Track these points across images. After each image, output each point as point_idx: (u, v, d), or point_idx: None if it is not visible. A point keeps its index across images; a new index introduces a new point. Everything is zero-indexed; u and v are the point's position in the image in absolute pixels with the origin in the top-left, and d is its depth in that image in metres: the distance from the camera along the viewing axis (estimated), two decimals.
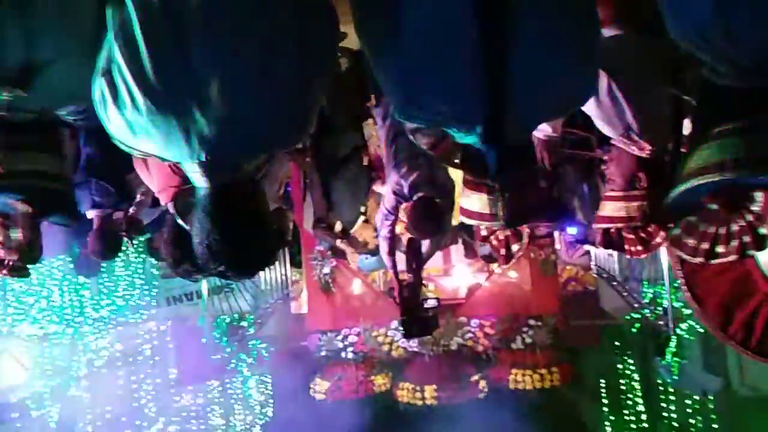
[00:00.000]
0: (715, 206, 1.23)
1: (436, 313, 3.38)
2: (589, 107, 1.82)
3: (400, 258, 3.35)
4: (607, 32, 1.71)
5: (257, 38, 1.17)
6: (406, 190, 2.65)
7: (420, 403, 6.94)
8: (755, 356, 1.27)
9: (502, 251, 1.73)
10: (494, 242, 1.77)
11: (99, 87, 1.20)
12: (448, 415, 6.76)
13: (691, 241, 1.25)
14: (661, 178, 1.88)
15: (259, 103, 1.19)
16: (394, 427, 6.96)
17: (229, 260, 1.27)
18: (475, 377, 7.13)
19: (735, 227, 1.20)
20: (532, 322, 7.26)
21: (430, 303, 3.31)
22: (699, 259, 1.23)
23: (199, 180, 1.26)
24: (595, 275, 7.70)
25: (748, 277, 1.28)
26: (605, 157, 2.17)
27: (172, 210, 2.20)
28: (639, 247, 2.07)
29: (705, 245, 1.22)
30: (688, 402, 6.39)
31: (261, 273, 7.24)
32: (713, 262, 1.22)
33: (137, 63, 1.14)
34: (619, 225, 2.04)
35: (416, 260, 3.25)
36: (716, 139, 1.23)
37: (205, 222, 1.26)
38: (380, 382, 7.32)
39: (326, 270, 7.50)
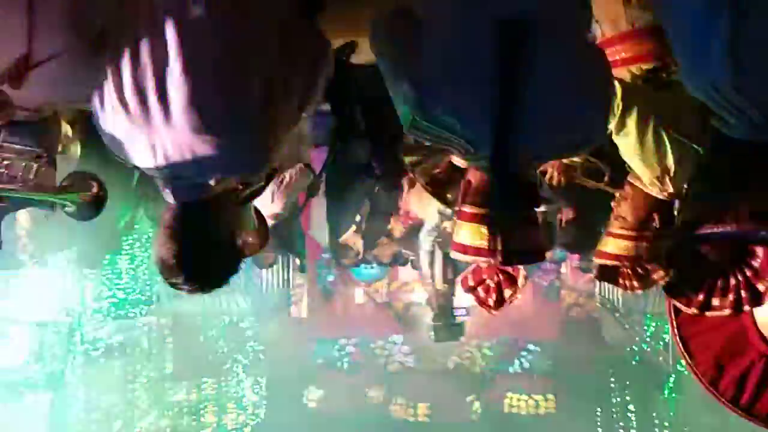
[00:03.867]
0: (715, 257, 1.21)
1: (464, 321, 3.71)
2: (628, 145, 1.82)
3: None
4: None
5: (224, 61, 1.19)
6: (449, 210, 2.71)
7: (412, 419, 6.89)
8: (744, 415, 1.24)
9: (492, 298, 1.66)
10: (481, 294, 1.68)
11: (95, 100, 1.25)
12: None
13: (687, 290, 1.22)
14: (671, 221, 1.87)
15: (220, 128, 1.20)
16: None
17: (178, 275, 1.28)
18: (470, 398, 7.08)
19: (732, 281, 1.17)
20: (531, 347, 7.21)
21: (461, 311, 3.67)
22: (693, 310, 1.20)
23: (167, 195, 1.29)
24: (598, 304, 7.65)
25: (743, 334, 1.25)
26: (617, 194, 2.16)
27: None
28: (635, 283, 2.06)
29: (700, 296, 1.19)
30: None
31: (263, 275, 7.25)
32: (707, 314, 1.19)
33: (120, 80, 1.18)
34: (625, 263, 2.02)
35: (453, 272, 3.55)
36: (723, 190, 1.21)
37: (163, 234, 1.28)
38: (374, 394, 7.28)
39: (330, 278, 7.50)
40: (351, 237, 4.98)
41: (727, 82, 1.09)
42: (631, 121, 1.76)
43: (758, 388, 1.23)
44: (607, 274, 2.17)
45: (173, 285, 1.33)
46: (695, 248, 1.22)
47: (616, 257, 2.04)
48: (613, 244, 2.05)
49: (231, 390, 7.96)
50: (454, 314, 3.74)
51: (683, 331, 1.31)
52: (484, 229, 1.35)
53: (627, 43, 1.69)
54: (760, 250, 1.16)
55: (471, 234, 1.39)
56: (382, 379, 7.41)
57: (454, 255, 1.47)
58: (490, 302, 1.67)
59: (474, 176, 1.41)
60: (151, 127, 1.20)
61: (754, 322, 1.22)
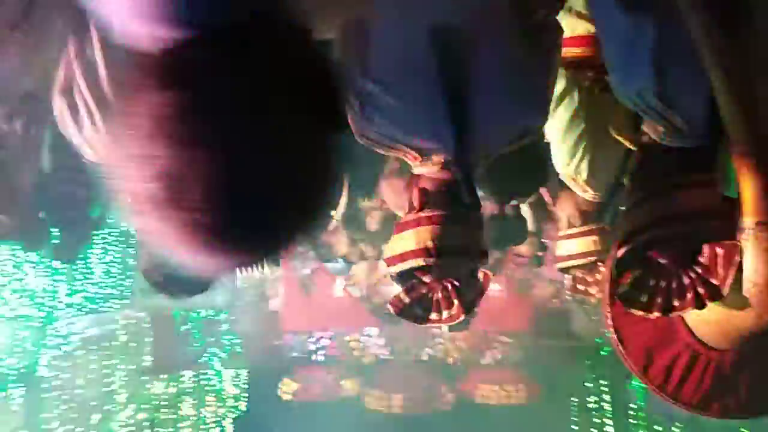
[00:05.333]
0: (663, 260, 1.24)
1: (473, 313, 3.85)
2: (553, 129, 1.84)
3: None
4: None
5: None
6: None
7: (386, 410, 6.98)
8: (669, 400, 1.32)
9: (446, 313, 1.36)
10: (434, 316, 1.38)
11: (58, 106, 1.24)
12: (414, 424, 6.81)
13: (643, 298, 1.23)
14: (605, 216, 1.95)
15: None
16: None
17: (160, 281, 1.31)
18: (443, 389, 7.19)
19: (686, 280, 1.20)
20: (503, 338, 7.33)
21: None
22: (655, 314, 1.24)
23: None
24: (568, 296, 7.80)
25: (671, 326, 1.32)
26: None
27: None
28: (581, 287, 2.13)
29: (659, 300, 1.21)
30: (657, 428, 6.48)
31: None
32: (671, 315, 1.25)
33: (98, 86, 1.17)
34: (580, 261, 2.09)
35: None
36: (656, 195, 1.29)
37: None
38: (349, 386, 7.36)
39: (306, 271, 7.53)
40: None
41: (651, 91, 1.17)
42: (565, 112, 1.79)
43: (683, 376, 1.30)
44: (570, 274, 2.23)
45: (154, 285, 1.34)
46: (643, 255, 1.27)
47: (569, 257, 2.11)
48: (564, 247, 2.11)
49: (210, 383, 7.96)
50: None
51: (617, 322, 1.37)
52: (420, 228, 1.34)
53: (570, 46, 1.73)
54: (704, 248, 1.22)
55: (409, 240, 1.34)
56: (356, 372, 7.48)
57: (391, 269, 1.38)
58: (446, 316, 1.41)
59: (426, 182, 1.39)
60: None
61: (681, 316, 1.29)
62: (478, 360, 7.30)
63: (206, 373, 7.86)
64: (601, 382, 7.39)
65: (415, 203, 1.35)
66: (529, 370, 7.45)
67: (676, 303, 1.19)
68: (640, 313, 1.22)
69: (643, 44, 1.15)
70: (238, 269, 0.65)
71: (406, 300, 1.38)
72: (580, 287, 2.12)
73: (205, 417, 7.96)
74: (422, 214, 1.35)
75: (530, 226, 3.13)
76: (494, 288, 7.54)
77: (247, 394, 8.06)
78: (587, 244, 2.04)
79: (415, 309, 1.39)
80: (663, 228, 1.25)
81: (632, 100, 1.23)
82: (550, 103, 1.39)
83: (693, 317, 1.33)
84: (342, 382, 7.36)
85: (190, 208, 0.47)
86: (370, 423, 7.05)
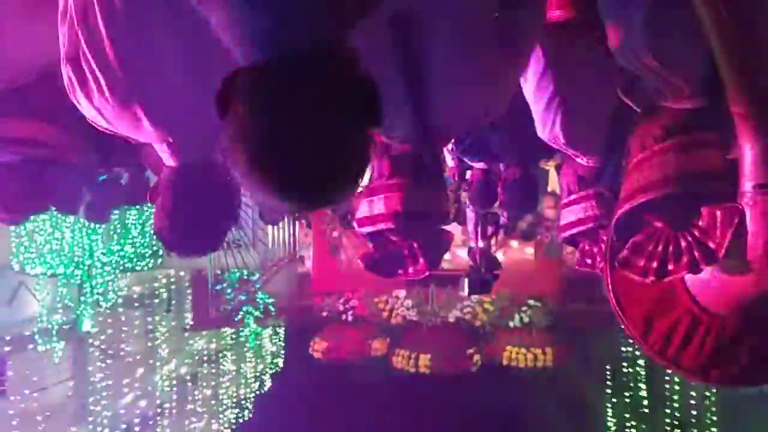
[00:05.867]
0: (659, 224, 1.22)
1: (496, 277, 4.03)
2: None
3: None
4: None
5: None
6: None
7: (413, 370, 7.09)
8: (670, 366, 1.29)
9: (411, 269, 1.50)
10: (401, 270, 1.53)
11: (66, 73, 1.21)
12: (441, 385, 6.92)
13: (640, 262, 1.23)
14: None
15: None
16: (387, 390, 7.16)
17: (170, 237, 1.34)
18: (470, 350, 7.24)
19: (683, 243, 1.18)
20: (531, 302, 7.30)
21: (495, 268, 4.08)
22: (650, 279, 1.22)
23: (167, 159, 1.32)
24: None
25: (672, 290, 1.28)
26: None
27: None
28: (588, 260, 2.06)
29: (654, 264, 1.21)
30: (692, 393, 6.42)
31: (270, 231, 7.38)
32: (665, 280, 1.22)
33: (102, 52, 1.15)
34: (579, 228, 2.02)
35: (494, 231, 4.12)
36: (657, 156, 1.23)
37: (163, 197, 1.32)
38: (377, 346, 7.48)
39: (335, 234, 7.61)
40: None
41: (645, 49, 1.11)
42: (532, 74, 1.68)
43: (683, 341, 1.27)
44: (574, 244, 2.17)
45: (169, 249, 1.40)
46: (641, 217, 1.24)
47: (569, 225, 2.04)
48: (564, 215, 2.05)
49: (248, 340, 8.24)
50: (492, 269, 4.01)
51: (617, 287, 1.34)
52: (404, 196, 1.41)
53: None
54: (703, 210, 1.18)
55: (385, 204, 1.46)
56: (385, 332, 7.60)
57: (365, 229, 1.50)
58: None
59: (394, 150, 1.50)
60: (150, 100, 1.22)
61: (683, 280, 1.25)
62: (506, 323, 7.30)
63: (244, 331, 8.12)
64: (636, 347, 7.30)
65: (385, 170, 1.47)
66: (558, 333, 7.42)
67: (670, 267, 1.17)
68: (636, 277, 1.20)
69: (637, 2, 1.10)
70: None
71: (376, 256, 1.52)
72: (588, 260, 2.05)
73: (245, 372, 8.26)
74: (391, 181, 1.46)
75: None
76: (525, 252, 7.47)
77: (284, 352, 8.29)
78: (585, 209, 1.97)
79: (384, 264, 1.53)
80: (661, 189, 1.20)
81: (628, 59, 1.17)
82: (513, 87, 1.41)
83: (695, 282, 1.29)
84: (370, 342, 7.49)
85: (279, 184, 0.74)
86: (397, 382, 7.20)
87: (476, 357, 7.27)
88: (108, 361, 7.10)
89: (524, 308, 7.31)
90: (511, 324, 7.31)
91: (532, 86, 1.61)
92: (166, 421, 7.65)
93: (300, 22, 0.74)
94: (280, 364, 8.45)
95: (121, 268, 6.22)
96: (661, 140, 1.25)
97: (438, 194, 1.55)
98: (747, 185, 1.10)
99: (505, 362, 7.21)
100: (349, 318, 7.50)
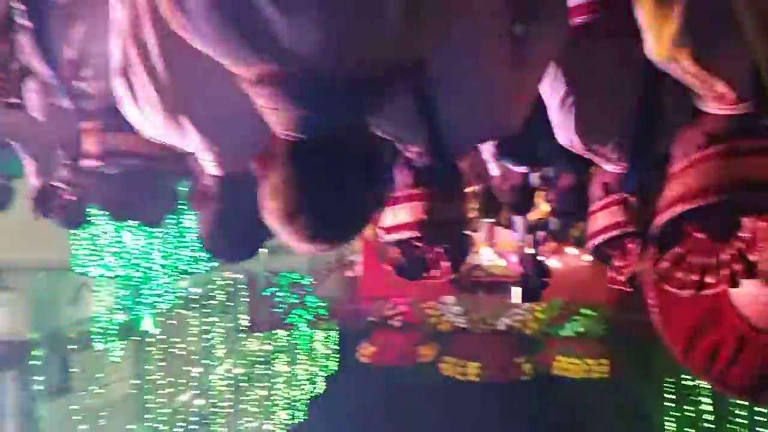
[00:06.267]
0: (700, 235, 1.17)
1: (545, 285, 4.08)
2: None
3: None
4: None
5: None
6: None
7: (462, 377, 7.01)
8: (717, 385, 1.22)
9: (436, 272, 1.66)
10: (426, 273, 1.68)
11: (117, 85, 1.26)
12: (490, 393, 6.81)
13: (679, 274, 1.18)
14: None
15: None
16: (435, 397, 7.11)
17: (214, 246, 1.42)
18: (520, 359, 7.09)
19: (724, 256, 1.13)
20: (584, 311, 7.07)
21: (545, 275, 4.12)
22: (688, 292, 1.17)
23: (212, 169, 1.38)
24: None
25: (717, 306, 1.21)
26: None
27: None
28: (620, 277, 1.95)
29: (694, 277, 1.16)
30: (760, 409, 6.09)
31: None
32: (703, 293, 1.17)
33: (150, 64, 1.20)
34: (604, 237, 1.92)
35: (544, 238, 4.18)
36: (699, 164, 1.17)
37: (211, 206, 1.40)
38: (425, 352, 7.44)
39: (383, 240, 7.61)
40: None
41: (687, 54, 1.05)
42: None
43: (731, 359, 1.21)
44: (601, 256, 2.06)
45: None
46: (680, 228, 1.19)
47: (593, 234, 1.95)
48: (591, 222, 1.96)
49: (302, 342, 8.39)
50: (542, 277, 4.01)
51: (660, 301, 1.29)
52: (427, 205, 1.51)
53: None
54: (746, 221, 1.12)
55: (404, 213, 1.54)
56: (433, 338, 7.55)
57: (391, 237, 1.59)
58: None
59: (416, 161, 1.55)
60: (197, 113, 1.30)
61: (727, 296, 1.19)
62: (557, 332, 7.10)
63: (297, 334, 8.28)
64: None
65: (407, 181, 1.55)
66: (612, 344, 7.16)
67: (710, 280, 1.11)
68: (674, 290, 1.15)
69: (676, 2, 1.04)
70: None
71: (403, 261, 1.65)
72: (620, 277, 1.95)
73: (298, 374, 8.40)
74: (414, 191, 1.53)
75: None
76: (582, 259, 7.25)
77: (338, 355, 8.39)
78: (609, 216, 1.87)
79: (410, 268, 1.66)
80: (702, 198, 1.14)
81: (667, 63, 1.11)
82: (530, 103, 1.39)
83: (743, 298, 1.22)
84: (418, 348, 7.46)
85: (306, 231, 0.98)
86: (445, 389, 7.14)
87: (526, 366, 7.12)
88: (166, 361, 7.34)
89: (576, 317, 7.10)
90: (562, 333, 7.11)
91: (547, 87, 1.56)
92: (220, 420, 7.85)
93: (331, 114, 0.95)
94: (334, 367, 8.55)
95: (179, 270, 6.44)
96: (704, 148, 1.18)
97: (458, 202, 1.65)
98: None
99: (555, 372, 7.03)
100: (397, 323, 7.50)
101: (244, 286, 8.10)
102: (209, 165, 1.40)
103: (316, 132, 0.96)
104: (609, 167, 1.74)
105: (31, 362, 6.10)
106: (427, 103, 1.30)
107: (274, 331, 8.09)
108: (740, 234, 1.13)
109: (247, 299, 8.10)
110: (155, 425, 7.14)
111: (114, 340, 6.24)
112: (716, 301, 1.18)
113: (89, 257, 5.57)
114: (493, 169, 3.26)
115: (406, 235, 1.56)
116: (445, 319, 7.31)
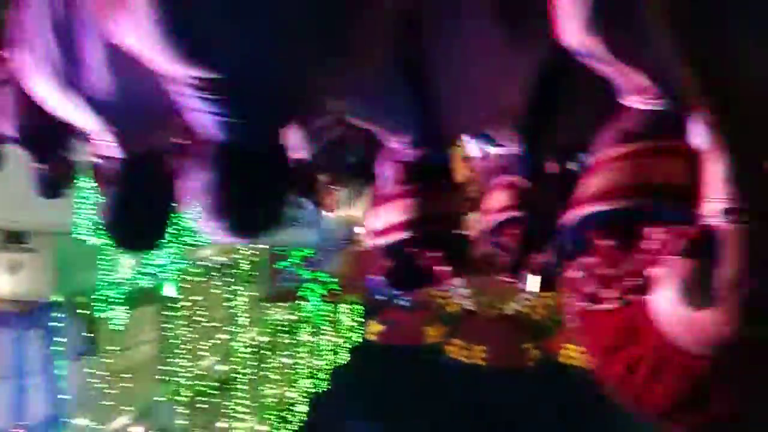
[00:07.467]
0: (604, 242, 1.07)
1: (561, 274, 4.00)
2: None
3: None
4: None
5: None
6: None
7: (467, 360, 7.01)
8: (631, 405, 1.15)
9: (435, 278, 1.55)
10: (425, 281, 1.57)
11: (18, 59, 1.31)
12: (495, 377, 6.79)
13: (579, 285, 1.11)
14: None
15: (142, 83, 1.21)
16: (439, 379, 7.13)
17: (112, 230, 1.42)
18: (527, 345, 7.03)
19: (623, 268, 1.04)
20: None
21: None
22: (583, 304, 1.12)
23: (112, 152, 1.38)
24: None
25: (635, 320, 1.14)
26: None
27: None
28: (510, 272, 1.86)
29: (589, 288, 1.08)
30: None
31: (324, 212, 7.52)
32: (595, 308, 1.11)
33: (46, 41, 1.23)
34: (498, 218, 1.81)
35: None
36: (612, 162, 1.10)
37: (112, 190, 1.39)
38: (432, 333, 7.45)
39: None
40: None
41: (600, 41, 0.98)
42: None
43: (647, 379, 1.12)
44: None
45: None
46: (581, 234, 1.14)
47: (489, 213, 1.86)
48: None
49: (325, 314, 8.51)
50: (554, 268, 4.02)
51: (577, 310, 1.24)
52: (419, 202, 1.42)
53: None
54: (649, 230, 1.05)
55: (393, 214, 1.45)
56: (441, 320, 7.54)
57: (381, 241, 1.45)
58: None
59: (403, 156, 1.48)
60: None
61: (651, 311, 1.13)
62: (565, 319, 6.98)
63: (313, 305, 8.39)
64: None
65: (396, 177, 1.44)
66: None
67: (605, 294, 1.05)
68: (570, 300, 1.10)
69: None
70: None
71: (399, 270, 1.53)
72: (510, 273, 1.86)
73: (321, 344, 8.54)
74: (404, 188, 1.44)
75: None
76: None
77: (363, 328, 8.49)
78: (496, 201, 1.78)
79: (404, 277, 1.54)
80: (607, 201, 1.05)
81: (579, 50, 1.03)
82: (530, 86, 1.33)
83: (665, 312, 1.16)
84: (425, 329, 7.47)
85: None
86: (451, 370, 7.14)
87: (533, 352, 7.06)
88: (189, 327, 7.53)
89: None
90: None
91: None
92: (242, 386, 8.04)
93: (260, 120, 1.06)
94: (359, 339, 8.67)
95: (202, 238, 6.57)
96: (619, 145, 1.12)
97: (453, 197, 1.54)
98: (711, 206, 0.93)
99: (561, 360, 6.95)
100: (404, 303, 7.50)
101: (268, 257, 8.24)
102: (109, 146, 1.39)
103: (245, 136, 1.05)
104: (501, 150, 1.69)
105: (54, 323, 6.33)
106: (421, 85, 1.25)
107: (288, 303, 8.20)
108: (642, 245, 1.02)
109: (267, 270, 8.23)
110: (177, 389, 7.37)
111: (139, 305, 6.43)
112: (634, 314, 1.11)
113: (91, 224, 5.67)
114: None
115: (397, 237, 1.46)
116: (453, 300, 7.28)
